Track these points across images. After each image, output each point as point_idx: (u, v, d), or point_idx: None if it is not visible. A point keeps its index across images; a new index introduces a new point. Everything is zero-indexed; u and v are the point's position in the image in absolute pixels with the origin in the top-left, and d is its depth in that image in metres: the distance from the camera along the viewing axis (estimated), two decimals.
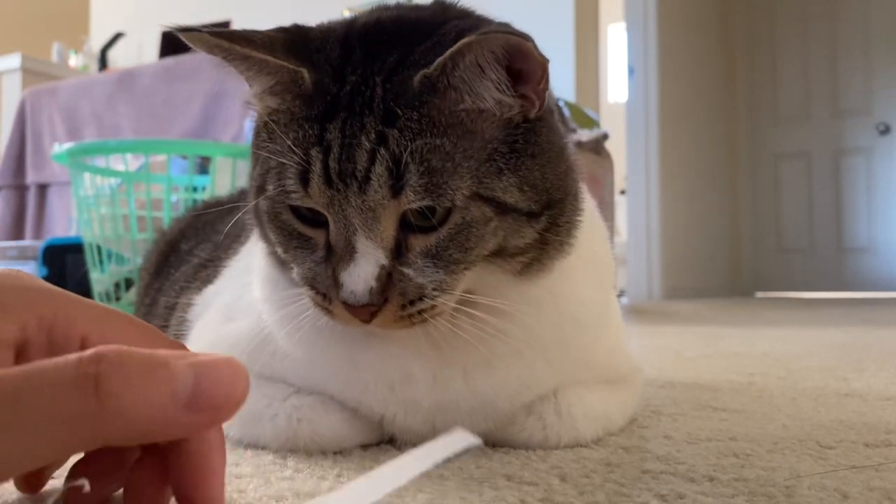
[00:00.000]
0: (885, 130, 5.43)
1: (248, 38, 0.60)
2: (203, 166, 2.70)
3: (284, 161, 0.59)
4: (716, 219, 5.64)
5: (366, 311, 0.59)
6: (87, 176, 2.55)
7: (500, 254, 0.61)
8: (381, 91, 0.58)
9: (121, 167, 2.58)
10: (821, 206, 5.65)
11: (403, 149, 0.56)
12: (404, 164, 0.56)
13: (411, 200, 0.57)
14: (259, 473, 0.61)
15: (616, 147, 3.58)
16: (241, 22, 5.02)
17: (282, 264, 0.65)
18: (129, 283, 2.51)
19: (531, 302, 0.65)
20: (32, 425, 0.35)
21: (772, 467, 0.63)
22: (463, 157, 0.58)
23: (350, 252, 0.58)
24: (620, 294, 4.72)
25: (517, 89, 0.60)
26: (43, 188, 4.33)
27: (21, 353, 0.42)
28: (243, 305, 0.75)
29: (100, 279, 2.57)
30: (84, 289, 2.73)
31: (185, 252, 1.11)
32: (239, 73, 0.62)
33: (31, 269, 3.37)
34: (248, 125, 3.59)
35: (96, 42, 6.08)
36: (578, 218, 0.66)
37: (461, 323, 0.62)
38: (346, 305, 0.58)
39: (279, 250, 0.64)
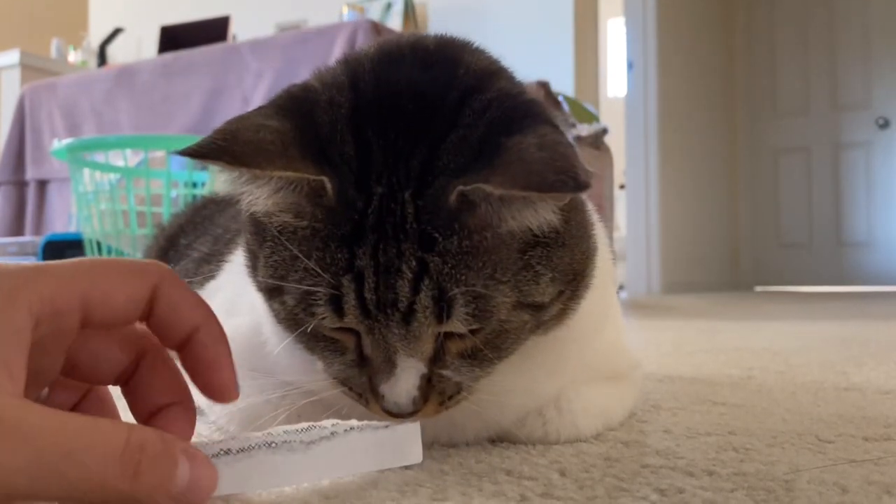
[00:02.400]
0: (885, 124, 5.43)
1: (259, 150, 0.52)
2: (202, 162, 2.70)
3: (310, 287, 0.54)
4: (715, 213, 5.64)
5: (407, 417, 0.57)
6: (86, 172, 2.55)
7: None
8: (413, 209, 0.53)
9: (120, 163, 2.58)
10: (820, 200, 5.65)
11: (447, 278, 0.52)
12: (451, 295, 0.52)
13: (458, 328, 0.54)
14: None
15: (615, 142, 3.58)
16: (241, 17, 5.01)
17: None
18: None
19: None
20: (67, 476, 0.41)
21: (771, 461, 0.64)
22: (503, 273, 0.54)
23: (390, 367, 0.55)
24: (620, 288, 4.73)
25: None
26: (42, 184, 4.32)
27: (33, 331, 0.45)
28: (245, 301, 0.75)
29: None
30: None
31: (185, 247, 1.11)
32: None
33: None
34: None
35: (95, 38, 6.07)
36: (594, 275, 0.63)
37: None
38: (388, 413, 0.57)
39: (301, 345, 0.60)
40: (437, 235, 0.52)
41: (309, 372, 0.68)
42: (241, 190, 0.55)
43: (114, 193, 2.49)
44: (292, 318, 0.57)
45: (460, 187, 0.51)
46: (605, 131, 3.17)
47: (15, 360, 0.43)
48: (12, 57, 5.39)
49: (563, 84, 4.40)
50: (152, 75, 4.05)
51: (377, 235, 0.53)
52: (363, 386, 0.58)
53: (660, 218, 4.96)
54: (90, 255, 2.57)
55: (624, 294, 4.77)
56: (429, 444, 0.69)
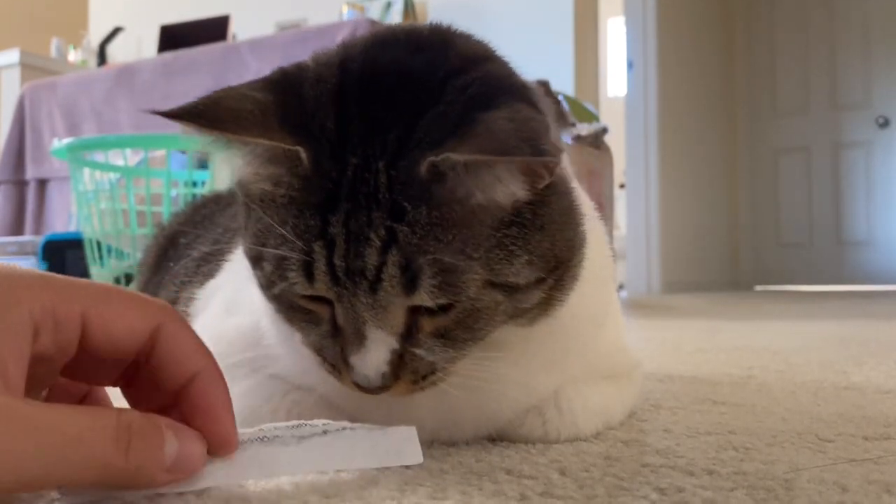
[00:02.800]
0: (885, 124, 5.43)
1: (238, 118, 0.54)
2: (202, 161, 2.70)
3: (283, 253, 0.55)
4: (715, 212, 5.64)
5: (376, 392, 0.57)
6: (86, 171, 2.55)
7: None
8: (386, 179, 0.53)
9: (120, 162, 2.58)
10: (820, 199, 5.65)
11: (415, 248, 0.53)
12: (417, 265, 0.53)
13: (424, 301, 0.54)
14: None
15: (615, 141, 3.58)
16: (241, 16, 5.01)
17: None
18: (129, 279, 2.51)
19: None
20: (70, 459, 0.44)
21: (771, 461, 0.64)
22: (474, 248, 0.54)
23: (360, 339, 0.56)
24: (619, 288, 4.73)
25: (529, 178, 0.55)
26: (42, 183, 4.32)
27: (34, 338, 0.46)
28: (245, 300, 0.75)
29: (100, 274, 2.57)
30: None
31: (184, 246, 1.11)
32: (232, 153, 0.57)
33: (31, 265, 3.37)
34: None
35: (95, 37, 6.07)
36: (582, 266, 0.63)
37: (462, 368, 0.61)
38: (358, 385, 0.57)
39: (280, 317, 0.61)
40: (406, 205, 0.53)
41: (310, 369, 0.68)
42: (221, 156, 0.57)
43: (114, 193, 2.50)
44: (271, 287, 0.58)
45: (431, 158, 0.52)
46: (605, 131, 3.17)
47: (10, 358, 0.44)
48: (12, 56, 5.39)
49: (563, 83, 4.40)
50: (152, 75, 4.05)
51: (350, 204, 0.54)
52: (336, 357, 0.58)
53: (660, 217, 4.96)
54: (90, 255, 2.57)
55: (624, 293, 4.77)
56: (428, 443, 0.69)
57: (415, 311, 0.56)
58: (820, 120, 5.65)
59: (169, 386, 0.52)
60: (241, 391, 0.71)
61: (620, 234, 5.09)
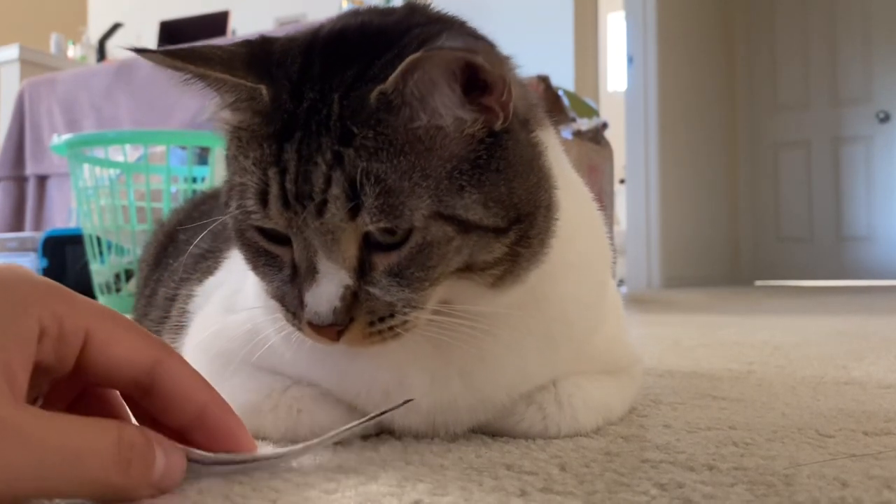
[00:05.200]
0: (885, 118, 5.43)
1: (205, 57, 0.59)
2: (202, 157, 2.70)
3: (244, 181, 0.58)
4: (715, 207, 5.64)
5: (331, 331, 0.58)
6: (86, 167, 2.55)
7: (469, 269, 0.59)
8: (339, 108, 0.56)
9: (120, 158, 2.58)
10: (820, 194, 5.65)
11: (359, 170, 0.55)
12: (360, 185, 0.55)
13: (367, 223, 0.55)
14: None
15: (615, 136, 3.58)
16: (240, 11, 5.01)
17: None
18: (129, 274, 2.52)
19: (512, 306, 0.64)
20: (70, 476, 0.44)
21: (771, 456, 0.64)
22: (421, 176, 0.56)
23: (312, 273, 0.57)
24: (619, 283, 4.73)
25: (479, 101, 0.58)
26: (42, 179, 4.32)
27: (38, 343, 0.47)
28: (244, 297, 0.75)
29: (100, 270, 2.57)
30: (84, 280, 2.74)
31: (184, 242, 1.11)
32: (200, 91, 0.61)
33: (31, 261, 3.37)
34: None
35: (94, 33, 6.07)
36: (552, 229, 0.63)
37: (443, 327, 0.61)
38: (312, 325, 0.58)
39: (248, 266, 0.63)
40: (355, 130, 0.55)
41: (313, 364, 0.68)
42: (201, 92, 0.61)
43: (113, 189, 2.50)
44: (240, 233, 0.62)
45: (380, 87, 0.55)
46: (605, 126, 3.16)
47: (18, 366, 0.45)
48: (11, 52, 5.38)
49: (563, 78, 4.40)
50: (152, 70, 4.04)
51: (303, 132, 0.56)
52: (295, 302, 0.59)
53: (660, 212, 4.96)
54: (90, 251, 2.57)
55: (624, 288, 4.77)
56: (427, 434, 0.69)
57: (368, 248, 0.57)
58: (820, 114, 5.64)
59: (177, 420, 0.54)
60: (241, 388, 0.71)
61: (620, 230, 5.09)
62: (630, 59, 4.99)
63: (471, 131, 0.58)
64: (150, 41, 5.34)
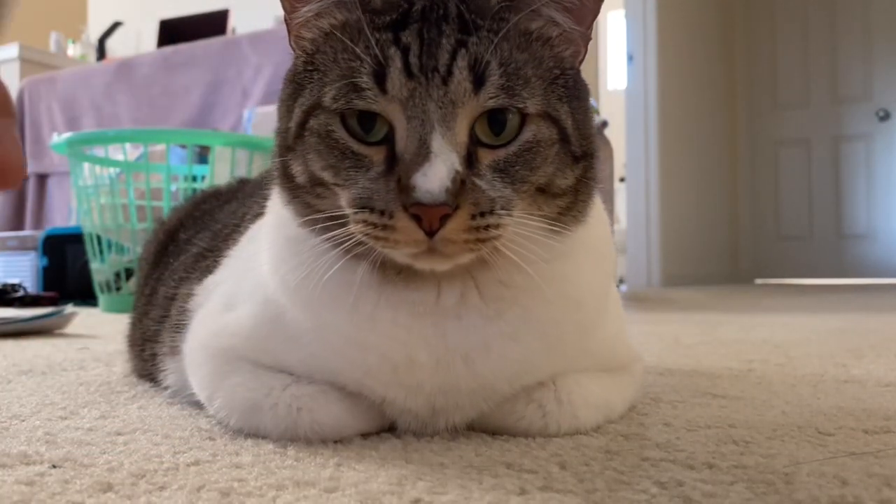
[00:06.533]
0: (885, 116, 5.43)
1: None
2: (202, 155, 2.70)
3: (352, 65, 0.61)
4: (715, 206, 5.64)
5: (438, 214, 0.57)
6: (86, 166, 2.55)
7: (544, 191, 0.63)
8: (455, 7, 0.62)
9: (120, 157, 2.58)
10: (820, 192, 5.64)
11: (484, 50, 0.60)
12: (486, 62, 0.60)
13: (491, 96, 0.59)
14: (259, 462, 0.61)
15: (615, 135, 3.58)
16: (240, 10, 5.00)
17: (308, 207, 0.66)
18: (129, 273, 2.52)
19: (542, 275, 0.65)
20: None
21: (771, 454, 0.64)
22: (534, 72, 0.62)
23: (425, 153, 0.58)
24: (620, 282, 4.73)
25: (575, 28, 0.65)
26: (42, 178, 4.32)
27: None
28: (244, 295, 0.75)
29: (100, 269, 2.57)
30: (84, 278, 2.73)
31: (184, 241, 1.11)
32: None
33: (32, 259, 3.37)
34: (247, 115, 3.58)
35: (94, 31, 6.06)
36: (595, 190, 0.69)
37: (498, 268, 0.64)
38: (419, 208, 0.57)
39: (326, 175, 0.63)
40: (478, 22, 0.61)
41: (323, 342, 0.68)
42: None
43: (113, 187, 2.49)
44: (326, 135, 0.62)
45: None
46: (605, 124, 3.16)
47: None
48: (11, 51, 5.38)
49: None
50: (151, 69, 4.05)
51: (421, 23, 0.61)
52: (388, 197, 0.59)
53: (660, 211, 4.96)
54: (90, 249, 2.57)
55: (624, 287, 4.77)
56: (428, 438, 0.69)
57: (474, 143, 0.61)
58: (820, 112, 5.64)
59: None
60: (241, 386, 0.71)
61: (621, 228, 5.09)
62: (630, 58, 4.99)
63: (567, 53, 0.65)
64: (150, 40, 5.34)
